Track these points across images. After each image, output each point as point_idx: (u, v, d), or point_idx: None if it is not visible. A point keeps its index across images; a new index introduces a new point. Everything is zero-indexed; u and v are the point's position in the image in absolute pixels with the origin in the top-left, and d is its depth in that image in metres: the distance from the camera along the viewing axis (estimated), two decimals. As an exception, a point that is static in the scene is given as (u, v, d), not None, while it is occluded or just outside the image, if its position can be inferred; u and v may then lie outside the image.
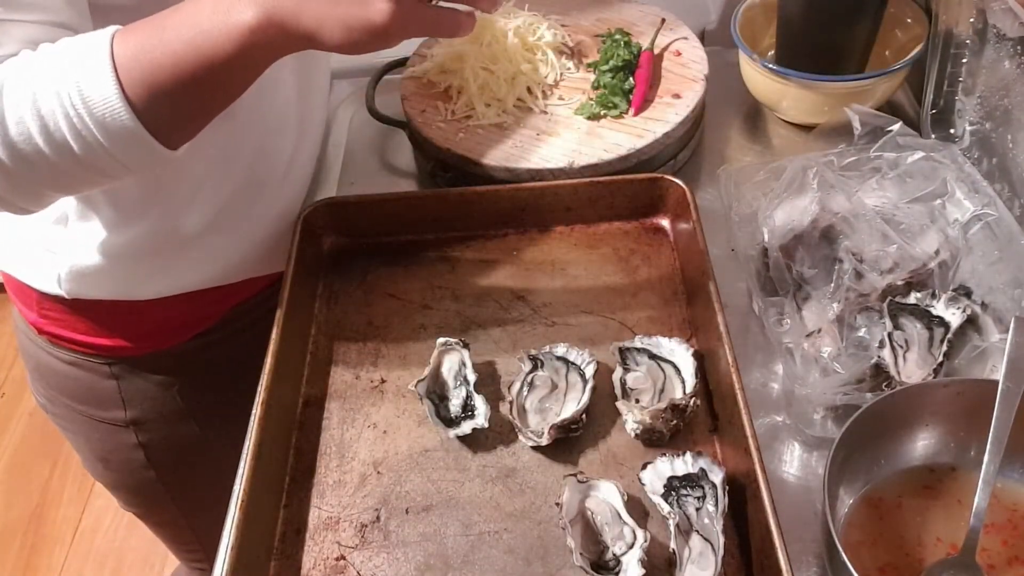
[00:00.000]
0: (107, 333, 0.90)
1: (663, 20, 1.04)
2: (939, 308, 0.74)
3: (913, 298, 0.75)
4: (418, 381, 0.74)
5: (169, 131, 0.63)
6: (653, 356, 0.76)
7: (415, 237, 0.90)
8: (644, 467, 0.68)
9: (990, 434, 0.62)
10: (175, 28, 0.60)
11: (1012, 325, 0.66)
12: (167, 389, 0.94)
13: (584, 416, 0.73)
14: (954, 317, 0.73)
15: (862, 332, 0.76)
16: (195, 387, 0.95)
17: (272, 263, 0.90)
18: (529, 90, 0.99)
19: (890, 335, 0.73)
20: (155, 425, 0.95)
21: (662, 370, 0.75)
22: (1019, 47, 0.82)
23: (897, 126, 0.84)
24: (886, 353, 0.72)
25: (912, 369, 0.73)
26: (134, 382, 0.93)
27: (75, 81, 0.59)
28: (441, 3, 0.65)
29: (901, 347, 0.74)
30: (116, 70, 0.60)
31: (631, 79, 0.98)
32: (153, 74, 0.60)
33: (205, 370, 0.95)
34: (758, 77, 1.00)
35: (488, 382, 0.77)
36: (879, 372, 0.72)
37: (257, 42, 0.60)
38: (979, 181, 0.85)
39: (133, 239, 0.84)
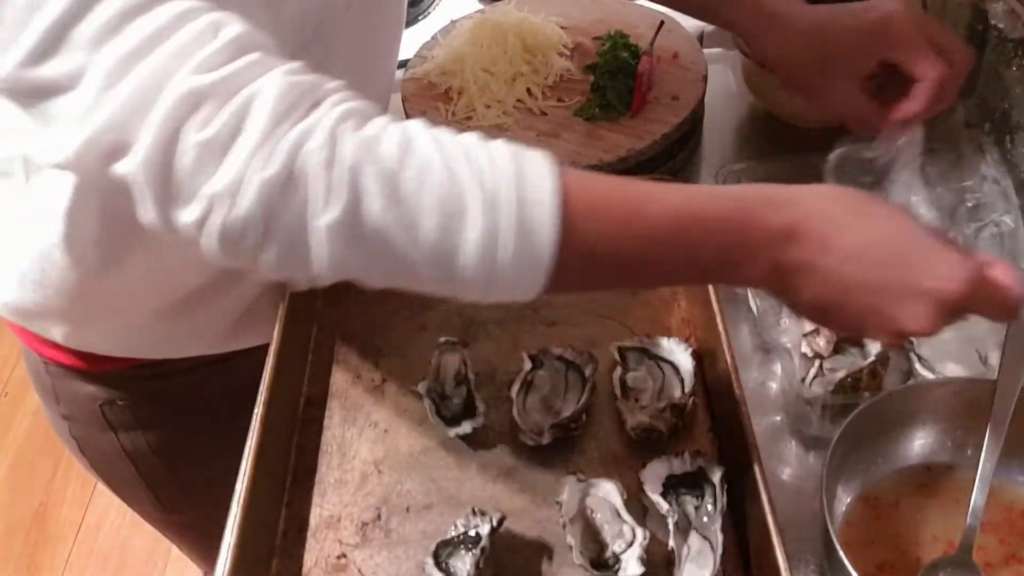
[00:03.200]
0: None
1: (662, 22, 1.04)
2: None
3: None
4: (419, 381, 0.75)
5: (563, 280, 0.52)
6: (652, 356, 0.76)
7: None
8: (643, 466, 0.68)
9: (987, 433, 0.63)
10: (661, 197, 0.53)
11: (1008, 326, 0.66)
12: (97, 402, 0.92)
13: (584, 415, 0.73)
14: None
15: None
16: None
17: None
18: (529, 91, 0.99)
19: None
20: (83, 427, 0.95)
21: (661, 370, 0.76)
22: (1020, 49, 0.82)
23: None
24: None
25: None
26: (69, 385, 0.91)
27: (514, 170, 0.50)
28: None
29: None
30: (562, 189, 0.50)
31: (630, 81, 0.98)
32: (609, 229, 0.52)
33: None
34: (757, 78, 1.01)
35: (488, 382, 0.77)
36: (876, 372, 0.73)
37: (758, 264, 0.52)
38: (1009, 187, 0.84)
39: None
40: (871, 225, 0.54)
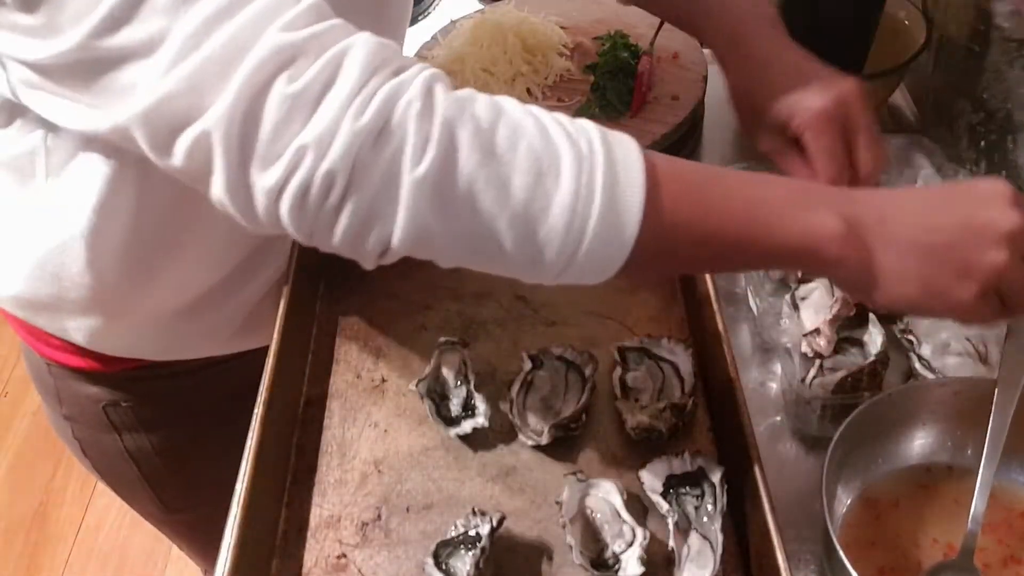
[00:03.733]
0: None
1: (662, 22, 1.04)
2: None
3: None
4: (419, 380, 0.75)
5: (639, 260, 0.51)
6: (652, 356, 0.76)
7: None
8: (643, 466, 0.68)
9: (987, 438, 0.63)
10: (737, 185, 0.54)
11: (1007, 328, 0.66)
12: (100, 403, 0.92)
13: (584, 415, 0.73)
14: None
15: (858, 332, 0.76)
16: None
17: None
18: (529, 92, 0.99)
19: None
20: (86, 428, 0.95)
21: (661, 370, 0.76)
22: (1023, 49, 0.82)
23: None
24: None
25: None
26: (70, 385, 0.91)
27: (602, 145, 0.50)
28: None
29: None
30: (648, 171, 0.50)
31: (630, 81, 0.98)
32: (690, 203, 0.52)
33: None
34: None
35: (488, 382, 0.77)
36: (876, 371, 0.73)
37: (820, 251, 0.52)
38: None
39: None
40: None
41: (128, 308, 0.83)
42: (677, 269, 0.59)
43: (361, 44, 0.49)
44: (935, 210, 0.54)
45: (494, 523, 0.65)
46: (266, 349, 0.75)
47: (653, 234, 0.51)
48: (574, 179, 0.49)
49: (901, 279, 0.53)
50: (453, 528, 0.66)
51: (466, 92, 0.51)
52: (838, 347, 0.76)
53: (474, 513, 0.66)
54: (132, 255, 0.76)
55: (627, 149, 0.51)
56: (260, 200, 0.49)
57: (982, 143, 0.90)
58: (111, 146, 0.66)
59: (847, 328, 0.76)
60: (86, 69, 0.50)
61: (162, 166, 0.52)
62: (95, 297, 0.79)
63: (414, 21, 1.26)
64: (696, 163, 0.57)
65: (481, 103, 0.50)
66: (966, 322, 0.58)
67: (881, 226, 0.53)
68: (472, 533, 0.65)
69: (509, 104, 0.51)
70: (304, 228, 0.50)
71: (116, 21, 0.48)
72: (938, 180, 0.81)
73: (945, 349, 0.75)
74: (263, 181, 0.48)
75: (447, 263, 0.53)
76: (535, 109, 0.52)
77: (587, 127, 0.52)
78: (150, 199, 0.72)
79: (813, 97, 0.67)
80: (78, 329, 0.83)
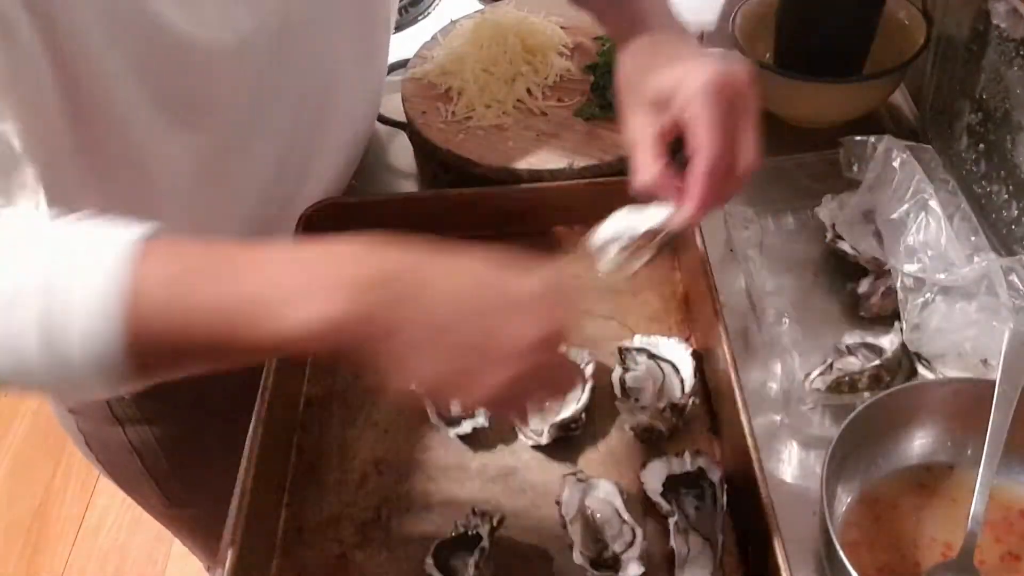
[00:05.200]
0: None
1: (663, 21, 1.04)
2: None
3: None
4: (419, 381, 0.75)
5: (138, 372, 0.48)
6: (652, 356, 0.77)
7: (416, 238, 0.90)
8: (643, 466, 0.69)
9: (987, 438, 0.63)
10: (236, 277, 0.48)
11: (1008, 329, 0.66)
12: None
13: (584, 415, 0.73)
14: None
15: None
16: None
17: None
18: (529, 91, 0.99)
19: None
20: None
21: (661, 370, 0.76)
22: (1022, 49, 0.82)
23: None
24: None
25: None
26: None
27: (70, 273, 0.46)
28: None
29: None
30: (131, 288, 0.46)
31: (631, 80, 0.98)
32: (171, 322, 0.47)
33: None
34: (756, 78, 1.01)
35: (488, 382, 0.77)
36: (879, 376, 0.73)
37: (323, 340, 0.48)
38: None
39: None
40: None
41: None
42: (177, 370, 0.51)
43: None
44: (468, 303, 0.51)
45: (494, 523, 0.65)
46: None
47: (143, 349, 0.47)
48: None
49: (416, 368, 0.50)
50: (453, 528, 0.66)
51: None
52: (854, 350, 0.76)
53: (474, 513, 0.66)
54: None
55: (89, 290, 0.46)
56: None
57: (981, 144, 0.90)
58: None
59: (871, 333, 0.76)
60: None
61: None
62: None
63: (414, 21, 1.26)
64: (205, 250, 0.50)
65: None
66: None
67: (401, 311, 0.49)
68: (472, 533, 0.65)
69: None
70: None
71: None
72: (927, 183, 0.81)
73: (945, 349, 0.75)
74: None
75: None
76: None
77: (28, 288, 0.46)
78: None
79: (703, 70, 0.62)
80: None
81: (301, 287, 0.49)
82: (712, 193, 0.62)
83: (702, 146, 0.61)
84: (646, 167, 0.65)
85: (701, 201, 0.62)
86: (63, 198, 0.68)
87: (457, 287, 0.52)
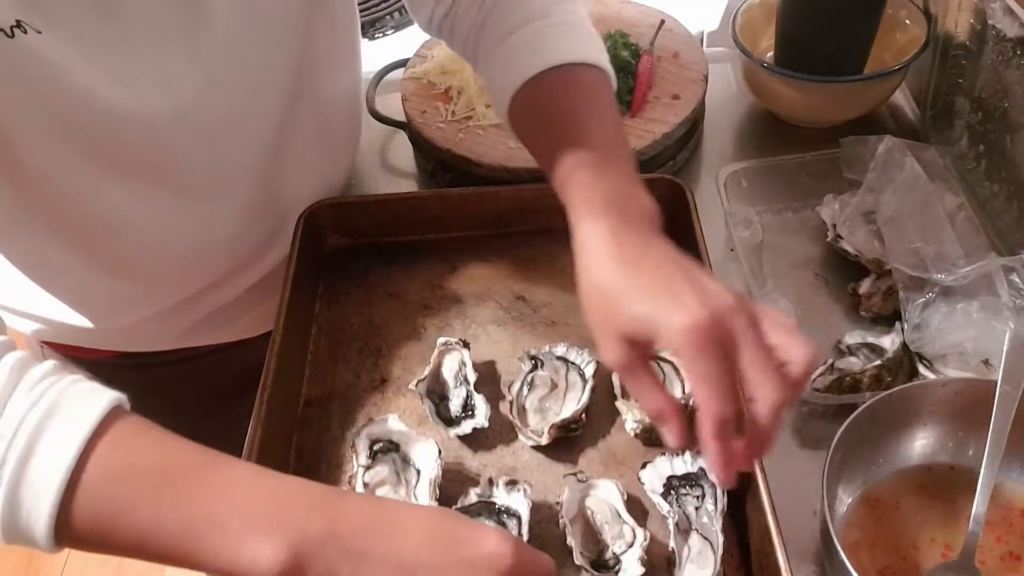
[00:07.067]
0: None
1: (662, 21, 1.04)
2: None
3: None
4: (418, 381, 0.75)
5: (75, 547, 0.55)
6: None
7: (415, 237, 0.90)
8: (643, 466, 0.68)
9: (988, 439, 0.63)
10: (178, 504, 0.50)
11: (1009, 329, 0.66)
12: None
13: (584, 416, 0.73)
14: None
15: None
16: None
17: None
18: (529, 91, 0.99)
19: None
20: None
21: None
22: (1019, 48, 0.82)
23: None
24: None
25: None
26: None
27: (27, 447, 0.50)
28: None
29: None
30: (68, 484, 0.51)
31: (631, 80, 0.98)
32: (111, 531, 0.52)
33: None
34: (757, 78, 1.01)
35: (488, 382, 0.77)
36: (880, 376, 0.72)
37: None
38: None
39: None
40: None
41: (113, 319, 0.83)
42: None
43: None
44: (417, 565, 0.49)
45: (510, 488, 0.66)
46: (254, 339, 0.75)
47: (75, 537, 0.54)
48: None
49: None
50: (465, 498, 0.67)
51: None
52: (855, 350, 0.76)
53: (490, 483, 0.67)
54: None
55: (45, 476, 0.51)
56: None
57: (982, 144, 0.90)
58: None
59: (873, 333, 0.76)
60: None
61: None
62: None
63: (414, 20, 1.26)
64: (160, 458, 0.52)
65: None
66: None
67: (346, 565, 0.48)
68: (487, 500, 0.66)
69: None
70: None
71: None
72: (928, 183, 0.81)
73: (945, 349, 0.75)
74: None
75: None
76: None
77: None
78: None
79: (682, 311, 0.53)
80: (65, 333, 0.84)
81: (241, 528, 0.49)
82: (728, 450, 0.55)
83: (700, 403, 0.54)
84: (653, 403, 0.58)
85: (723, 462, 0.55)
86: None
87: (401, 554, 0.49)
